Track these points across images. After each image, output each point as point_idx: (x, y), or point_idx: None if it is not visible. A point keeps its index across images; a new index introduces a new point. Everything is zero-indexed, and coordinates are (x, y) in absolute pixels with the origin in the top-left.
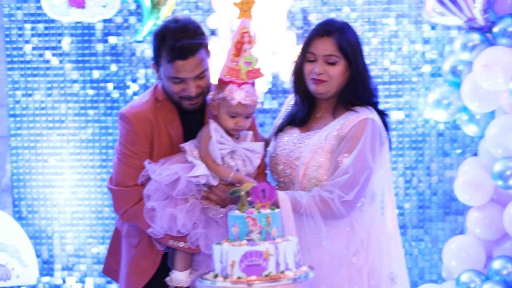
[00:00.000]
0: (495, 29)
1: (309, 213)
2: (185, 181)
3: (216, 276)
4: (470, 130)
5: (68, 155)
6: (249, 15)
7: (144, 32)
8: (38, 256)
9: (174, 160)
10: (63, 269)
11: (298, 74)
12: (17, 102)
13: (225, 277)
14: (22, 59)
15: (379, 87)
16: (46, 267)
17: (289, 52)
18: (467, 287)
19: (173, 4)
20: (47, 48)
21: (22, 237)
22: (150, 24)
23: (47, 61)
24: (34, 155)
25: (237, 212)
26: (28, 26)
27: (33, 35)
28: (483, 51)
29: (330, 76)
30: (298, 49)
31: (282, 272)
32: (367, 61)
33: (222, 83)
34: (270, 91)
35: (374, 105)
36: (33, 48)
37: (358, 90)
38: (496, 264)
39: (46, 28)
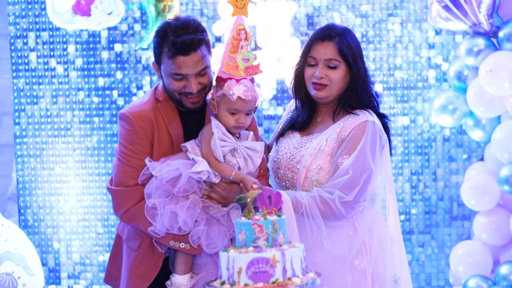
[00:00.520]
0: (500, 34)
1: (310, 213)
2: (186, 178)
3: (223, 283)
4: (476, 135)
5: (73, 163)
6: (245, 12)
7: (149, 39)
8: (44, 264)
9: (176, 158)
10: (69, 277)
11: (299, 78)
12: (23, 110)
13: (232, 284)
14: (27, 67)
15: (385, 92)
16: (52, 276)
17: (294, 58)
18: None
19: (178, 11)
20: (52, 56)
21: (28, 245)
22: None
23: (52, 69)
24: (39, 163)
25: (243, 219)
26: (33, 34)
27: (38, 43)
28: (489, 56)
29: (330, 80)
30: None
31: (289, 278)
32: (372, 66)
33: (221, 81)
34: (275, 97)
35: (374, 108)
36: (38, 56)
37: (358, 94)
38: (503, 270)
39: (51, 36)
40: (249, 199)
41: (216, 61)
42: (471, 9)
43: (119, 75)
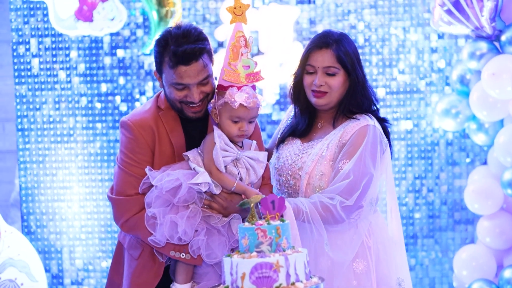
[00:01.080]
0: (503, 38)
1: (310, 219)
2: (187, 188)
3: None
4: (479, 139)
5: (76, 169)
6: (244, 19)
7: (152, 45)
8: (47, 270)
9: (176, 167)
10: (72, 283)
11: (298, 86)
12: (25, 116)
13: None
14: (29, 73)
15: (388, 96)
16: (56, 282)
17: (297, 63)
18: None
19: (180, 17)
20: (54, 62)
21: (31, 251)
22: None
23: (55, 75)
24: (42, 169)
25: (246, 224)
26: (35, 40)
27: (40, 49)
28: (491, 60)
29: (330, 87)
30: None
31: (293, 283)
32: (375, 71)
33: (222, 89)
34: (278, 102)
35: (375, 112)
36: (41, 62)
37: (358, 99)
38: (507, 273)
39: (53, 42)
40: (252, 204)
41: (218, 66)
42: (473, 13)
43: (121, 80)
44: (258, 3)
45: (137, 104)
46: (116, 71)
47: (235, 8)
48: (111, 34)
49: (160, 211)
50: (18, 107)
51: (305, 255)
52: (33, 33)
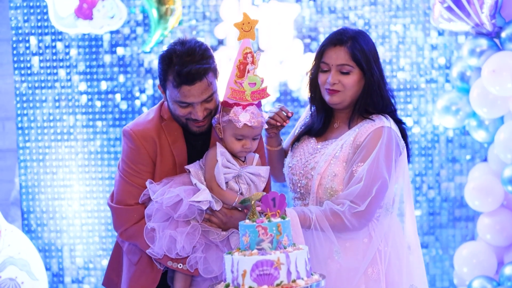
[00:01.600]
0: (503, 34)
1: (319, 227)
2: (187, 204)
3: (227, 286)
4: (479, 135)
5: (76, 167)
6: (252, 36)
7: (152, 42)
8: (47, 269)
9: (178, 181)
10: (73, 281)
11: (313, 84)
12: (25, 114)
13: (236, 287)
14: (29, 71)
15: None
16: (56, 280)
17: (297, 60)
18: None
19: (180, 14)
20: (54, 60)
21: (32, 250)
22: (158, 35)
23: (55, 73)
24: (42, 168)
25: (247, 221)
26: (35, 38)
27: (40, 48)
28: (491, 57)
29: (344, 85)
30: (305, 57)
31: (294, 281)
32: None
33: (227, 105)
34: (278, 100)
35: (392, 113)
36: (41, 61)
37: (374, 99)
38: (508, 270)
39: (53, 40)
40: (253, 202)
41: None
42: (473, 10)
43: (121, 78)
44: (258, 1)
45: (137, 102)
46: (116, 69)
47: (243, 24)
48: (111, 32)
49: (160, 225)
50: (18, 105)
51: (306, 252)
52: (33, 31)
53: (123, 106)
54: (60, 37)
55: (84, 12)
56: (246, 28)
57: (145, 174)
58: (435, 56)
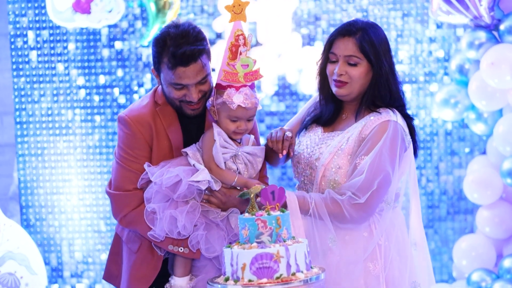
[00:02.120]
0: (502, 27)
1: (317, 214)
2: (186, 184)
3: (227, 279)
4: (478, 128)
5: (75, 162)
6: (243, 17)
7: (150, 36)
8: (46, 263)
9: (175, 163)
10: (72, 276)
11: (322, 74)
12: (23, 109)
13: (236, 280)
14: (27, 66)
15: None
16: (55, 275)
17: (295, 54)
18: (478, 286)
19: (178, 8)
20: (52, 55)
21: (30, 245)
22: (156, 29)
23: (53, 68)
24: (41, 162)
25: (247, 215)
26: (33, 33)
27: (38, 42)
28: (490, 49)
29: (351, 77)
30: (304, 51)
31: (293, 274)
32: None
33: (221, 88)
34: (276, 93)
35: (400, 108)
36: (39, 55)
37: (381, 92)
38: (507, 263)
39: (51, 34)
40: (252, 195)
41: (217, 59)
42: (472, 2)
43: (120, 72)
44: None
45: (135, 96)
46: (114, 63)
47: (234, 6)
48: (109, 26)
49: (160, 206)
50: (16, 100)
51: (305, 246)
52: (30, 25)
53: (121, 100)
54: (58, 31)
55: (82, 6)
56: (237, 10)
57: (142, 159)
58: (434, 49)
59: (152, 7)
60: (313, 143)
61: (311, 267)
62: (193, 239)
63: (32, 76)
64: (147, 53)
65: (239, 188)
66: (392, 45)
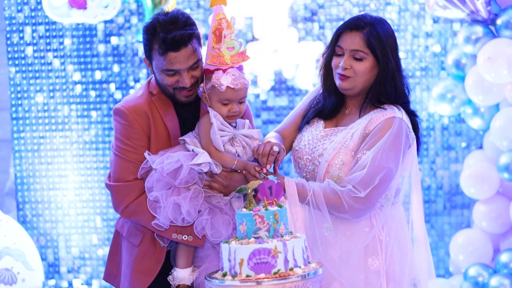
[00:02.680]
0: (499, 21)
1: (315, 202)
2: (187, 169)
3: (224, 274)
4: (475, 123)
5: (71, 157)
6: (223, 1)
7: None
8: (43, 259)
9: (174, 151)
10: (68, 271)
11: (327, 67)
12: (20, 105)
13: (234, 275)
14: (23, 61)
15: None
16: (52, 270)
17: (292, 49)
18: (475, 281)
19: (175, 3)
20: (48, 50)
21: (27, 240)
22: None
23: (49, 63)
24: (37, 158)
25: (244, 210)
26: (29, 28)
27: (34, 38)
28: (487, 44)
29: (355, 72)
30: (300, 46)
31: (291, 269)
32: None
33: (209, 73)
34: (273, 89)
35: (404, 104)
36: (35, 51)
37: (386, 89)
38: (504, 257)
39: (47, 30)
40: (249, 190)
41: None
42: None
43: (116, 68)
44: None
45: (131, 91)
46: (110, 58)
47: None
48: (105, 22)
49: (163, 194)
50: (13, 95)
51: (303, 241)
52: (26, 21)
53: (118, 95)
54: (54, 26)
55: (78, 1)
56: None
57: (140, 149)
58: (431, 44)
59: (148, 2)
60: (315, 139)
61: (309, 262)
62: (198, 225)
63: (28, 71)
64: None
65: (239, 171)
66: None
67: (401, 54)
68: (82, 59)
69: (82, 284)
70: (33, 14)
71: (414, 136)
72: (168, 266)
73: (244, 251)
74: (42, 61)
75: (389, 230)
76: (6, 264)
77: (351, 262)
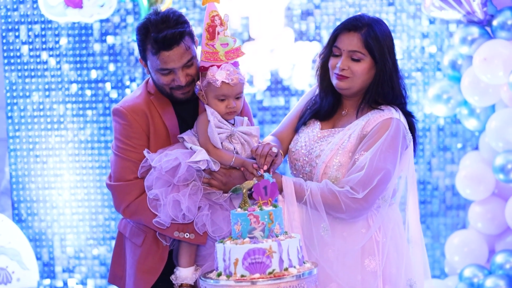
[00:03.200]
0: (494, 22)
1: (312, 202)
2: (186, 167)
3: (219, 274)
4: (471, 124)
5: (67, 156)
6: None
7: None
8: (38, 258)
9: (173, 149)
10: (63, 271)
11: (325, 67)
12: (15, 104)
13: (228, 275)
14: (19, 60)
15: None
16: (47, 270)
17: (288, 49)
18: (470, 282)
19: (171, 3)
20: (44, 49)
21: (22, 239)
22: None
23: (45, 62)
24: (32, 157)
25: (239, 210)
26: (24, 27)
27: (30, 36)
28: (483, 45)
29: (353, 72)
30: (296, 46)
31: (286, 269)
32: None
33: (204, 70)
34: (269, 89)
35: (401, 105)
36: (30, 50)
37: (384, 90)
38: (499, 258)
39: (43, 29)
40: (244, 190)
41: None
42: None
43: (111, 67)
44: None
45: (127, 91)
46: (106, 57)
47: None
48: (101, 21)
49: (162, 191)
50: (8, 94)
51: (298, 241)
52: (22, 20)
53: (113, 95)
54: (49, 25)
55: (74, 0)
56: None
57: (140, 148)
58: (426, 44)
59: (144, 2)
60: (312, 140)
61: (304, 262)
62: (199, 221)
63: (23, 70)
64: None
65: (238, 168)
66: None
67: (397, 55)
68: (78, 58)
69: (77, 283)
70: (28, 12)
71: (411, 137)
72: (171, 266)
73: (239, 251)
74: (38, 60)
75: (386, 231)
76: (1, 263)
77: (347, 263)
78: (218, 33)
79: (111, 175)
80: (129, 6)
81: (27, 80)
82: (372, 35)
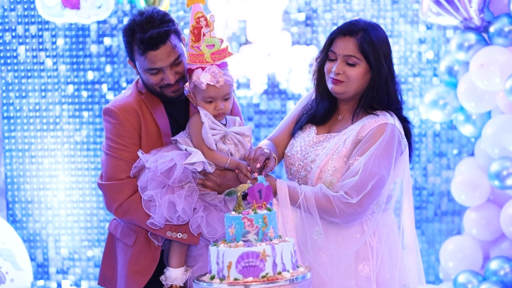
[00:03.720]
0: (491, 29)
1: (306, 206)
2: (181, 168)
3: (212, 277)
4: (467, 130)
5: (62, 157)
6: (201, 0)
7: None
8: (32, 259)
9: (167, 150)
10: (57, 272)
11: (320, 71)
12: (11, 104)
13: (222, 278)
14: (16, 61)
15: None
16: (41, 271)
17: (285, 53)
18: None
19: (168, 5)
20: (41, 50)
21: (16, 240)
22: None
23: (41, 63)
24: (28, 158)
25: (233, 213)
26: (21, 27)
27: (27, 37)
28: (479, 51)
29: (348, 77)
30: (293, 50)
31: (279, 273)
32: None
33: (191, 72)
34: (266, 92)
35: (397, 111)
36: (27, 50)
37: (379, 95)
38: (493, 265)
39: (40, 29)
40: (239, 193)
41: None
42: (462, 4)
43: (108, 69)
44: None
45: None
46: (103, 59)
47: None
48: (98, 22)
49: (157, 193)
50: (4, 94)
51: (291, 245)
52: (19, 20)
53: (110, 96)
54: (47, 26)
55: (71, 1)
56: None
57: (131, 147)
58: (423, 50)
59: (141, 4)
60: (307, 145)
61: (298, 266)
62: (194, 222)
63: (20, 71)
64: None
65: (232, 170)
66: None
67: (394, 60)
68: (74, 59)
69: (71, 285)
70: (26, 13)
71: (407, 143)
72: (163, 266)
73: (232, 254)
74: (35, 60)
75: (380, 236)
76: None
77: (341, 268)
78: (204, 35)
79: (102, 175)
80: (127, 7)
81: (23, 80)
82: (368, 40)
